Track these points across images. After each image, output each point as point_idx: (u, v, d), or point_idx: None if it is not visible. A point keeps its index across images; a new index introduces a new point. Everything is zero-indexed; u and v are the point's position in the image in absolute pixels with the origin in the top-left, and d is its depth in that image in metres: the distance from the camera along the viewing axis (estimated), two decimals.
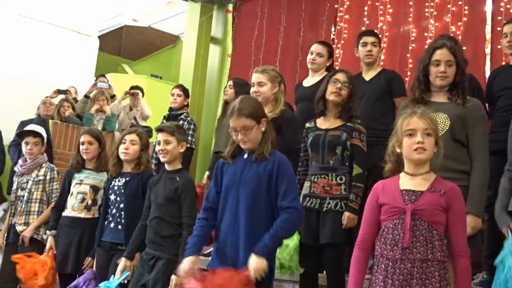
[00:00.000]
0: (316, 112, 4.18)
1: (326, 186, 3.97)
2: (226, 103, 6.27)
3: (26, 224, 5.12)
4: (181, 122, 6.31)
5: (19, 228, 5.13)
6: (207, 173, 6.45)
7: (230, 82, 6.34)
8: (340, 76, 4.11)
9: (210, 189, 3.50)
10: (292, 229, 3.23)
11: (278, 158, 3.27)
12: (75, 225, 4.73)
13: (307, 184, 4.06)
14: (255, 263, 3.03)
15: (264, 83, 4.29)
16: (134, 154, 4.46)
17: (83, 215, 4.74)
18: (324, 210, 3.92)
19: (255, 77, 4.32)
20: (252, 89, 4.32)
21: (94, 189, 4.80)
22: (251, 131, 3.27)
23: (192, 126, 6.47)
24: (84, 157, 4.88)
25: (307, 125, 4.20)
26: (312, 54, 5.26)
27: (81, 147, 4.88)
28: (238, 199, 3.26)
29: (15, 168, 5.41)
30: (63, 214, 4.82)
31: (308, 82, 5.31)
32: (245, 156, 3.33)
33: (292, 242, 3.74)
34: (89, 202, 4.77)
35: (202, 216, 3.43)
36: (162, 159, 4.10)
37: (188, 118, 6.55)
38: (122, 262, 4.06)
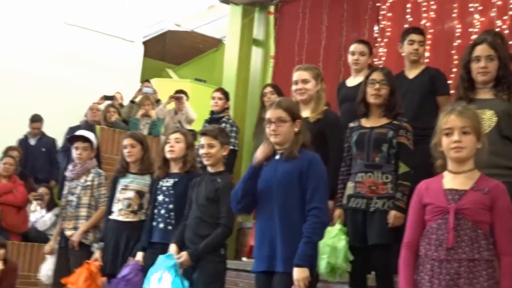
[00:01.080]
0: (358, 114, 4.15)
1: (372, 186, 3.90)
2: (264, 108, 6.26)
3: (75, 228, 5.16)
4: (223, 124, 6.36)
5: (67, 233, 5.18)
6: None
7: (270, 88, 6.35)
8: (377, 75, 4.03)
9: None
10: (323, 229, 3.31)
11: (309, 156, 3.36)
12: (122, 228, 4.81)
13: (351, 184, 4.00)
14: (299, 274, 3.17)
15: (308, 80, 4.23)
16: (179, 151, 4.47)
17: (129, 219, 4.82)
18: (371, 210, 3.86)
19: (299, 75, 4.26)
20: (295, 87, 4.27)
21: (140, 194, 4.86)
22: (284, 124, 3.37)
23: (234, 128, 6.54)
24: (128, 160, 4.93)
25: (351, 125, 4.16)
26: (354, 54, 5.24)
27: (124, 150, 4.94)
28: (272, 199, 3.36)
29: (66, 173, 5.50)
30: (110, 217, 4.90)
31: (352, 82, 5.28)
32: (277, 157, 3.42)
33: (339, 243, 3.68)
34: (135, 207, 4.84)
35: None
36: (205, 163, 4.16)
37: (230, 121, 6.61)
38: (173, 247, 4.11)
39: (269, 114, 3.43)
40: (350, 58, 5.28)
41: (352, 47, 5.30)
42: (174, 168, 4.53)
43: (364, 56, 5.23)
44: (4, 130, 8.87)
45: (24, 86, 9.54)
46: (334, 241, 3.55)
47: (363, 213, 3.90)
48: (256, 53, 8.44)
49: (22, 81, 9.58)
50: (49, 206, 7.48)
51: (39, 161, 8.41)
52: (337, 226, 3.74)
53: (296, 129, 3.42)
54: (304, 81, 4.23)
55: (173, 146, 4.47)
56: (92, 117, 7.84)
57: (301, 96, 4.22)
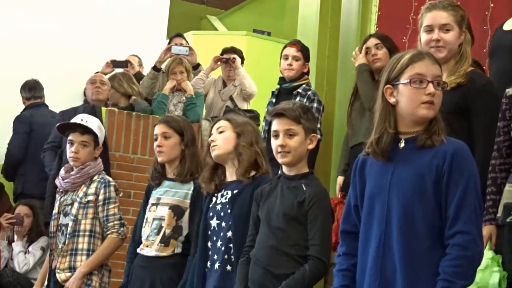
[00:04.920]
0: None
1: None
2: (371, 73, 6.26)
3: (71, 269, 5.21)
4: (298, 98, 6.40)
5: (61, 276, 5.22)
6: (340, 179, 6.45)
7: (375, 40, 6.33)
8: None
9: (348, 202, 3.63)
10: (473, 268, 3.25)
11: (451, 147, 3.33)
12: (148, 268, 4.89)
13: (510, 187, 4.01)
14: None
15: (451, 27, 4.29)
16: (226, 144, 4.52)
17: (158, 252, 4.88)
18: None
19: (435, 17, 4.35)
20: (426, 37, 4.32)
21: (176, 210, 4.93)
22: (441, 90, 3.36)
23: (315, 105, 6.54)
24: (158, 159, 5.02)
25: (510, 91, 4.15)
26: None
27: (154, 144, 5.05)
28: (390, 211, 3.35)
29: (56, 182, 5.56)
30: (137, 250, 5.02)
31: (510, 23, 5.21)
32: (401, 145, 3.41)
33: (492, 278, 3.76)
34: (167, 232, 4.88)
35: (342, 250, 3.59)
36: (281, 160, 4.15)
37: (309, 93, 6.63)
38: None
39: (422, 67, 3.38)
40: None
41: None
42: (232, 173, 4.56)
43: None
44: None
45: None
46: (483, 276, 3.67)
47: None
48: None
49: None
50: (32, 235, 7.54)
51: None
52: (488, 253, 3.79)
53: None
54: (445, 28, 4.28)
55: (215, 140, 4.54)
56: (94, 94, 7.82)
57: (440, 53, 4.23)
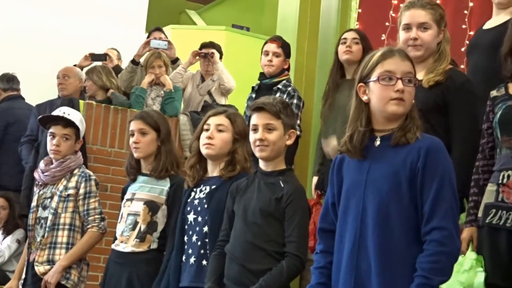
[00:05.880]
0: (504, 74, 4.15)
1: None
2: (341, 67, 6.29)
3: (50, 262, 5.18)
4: (278, 94, 6.40)
5: (39, 268, 5.19)
6: (314, 179, 6.44)
7: (353, 34, 6.34)
8: None
9: (326, 201, 3.65)
10: (451, 264, 3.26)
11: (426, 143, 3.34)
12: (123, 263, 4.87)
13: (491, 187, 4.01)
14: None
15: (429, 26, 4.30)
16: (223, 147, 4.46)
17: (133, 248, 4.86)
18: None
19: (413, 15, 4.36)
20: (405, 35, 4.33)
21: (151, 206, 4.89)
22: (413, 86, 3.36)
23: (295, 101, 6.55)
24: (135, 155, 4.99)
25: (494, 93, 4.15)
26: None
27: (130, 140, 5.00)
28: (365, 209, 3.37)
29: (35, 175, 5.52)
30: (112, 246, 5.00)
31: (492, 22, 5.25)
32: (377, 143, 3.43)
33: (477, 278, 3.74)
34: (143, 227, 4.87)
35: (319, 247, 3.61)
36: (259, 154, 4.14)
37: (289, 89, 6.63)
38: None
39: (391, 64, 3.41)
40: None
41: None
42: (213, 170, 4.53)
43: None
44: None
45: None
46: (469, 276, 3.65)
47: (510, 234, 3.90)
48: None
49: None
50: (8, 228, 7.52)
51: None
52: (471, 254, 3.80)
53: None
54: (423, 27, 4.31)
55: (213, 137, 4.44)
56: (60, 90, 7.76)
57: (416, 51, 4.27)
